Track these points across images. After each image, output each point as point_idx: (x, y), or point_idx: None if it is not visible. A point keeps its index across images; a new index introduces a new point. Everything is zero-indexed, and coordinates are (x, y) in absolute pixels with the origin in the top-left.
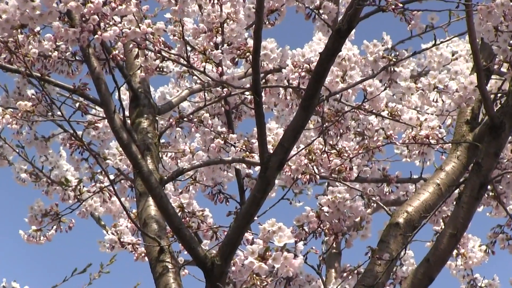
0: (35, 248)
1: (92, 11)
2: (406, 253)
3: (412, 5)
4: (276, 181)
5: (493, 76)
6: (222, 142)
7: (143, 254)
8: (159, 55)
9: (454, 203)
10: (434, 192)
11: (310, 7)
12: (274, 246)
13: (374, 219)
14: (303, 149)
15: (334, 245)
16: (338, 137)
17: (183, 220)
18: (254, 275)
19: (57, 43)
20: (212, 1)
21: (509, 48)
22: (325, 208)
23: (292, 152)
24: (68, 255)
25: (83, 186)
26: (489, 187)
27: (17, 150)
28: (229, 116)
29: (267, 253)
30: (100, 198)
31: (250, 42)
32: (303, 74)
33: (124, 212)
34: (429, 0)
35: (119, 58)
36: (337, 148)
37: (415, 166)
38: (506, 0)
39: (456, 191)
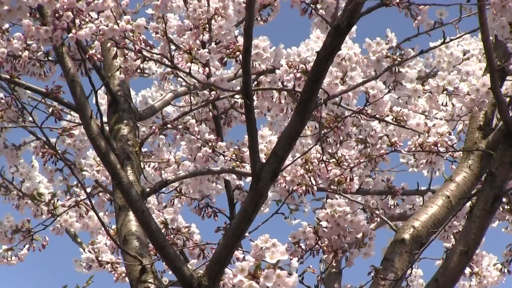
0: (5, 269)
1: (65, 7)
2: (413, 272)
3: None
4: (270, 194)
5: (508, 77)
6: (210, 150)
7: (123, 274)
8: (140, 54)
9: (466, 217)
10: (444, 205)
11: (306, 2)
12: (266, 264)
13: (377, 235)
14: (299, 158)
15: (333, 263)
16: (338, 145)
17: (167, 237)
18: None
19: (27, 42)
20: None
21: None
22: (324, 223)
23: (287, 162)
24: (41, 275)
25: (58, 200)
26: (504, 199)
27: None
28: (217, 122)
29: (259, 271)
30: (76, 213)
31: (241, 40)
32: (298, 75)
33: (103, 228)
34: None
35: (96, 58)
36: (337, 157)
37: (423, 176)
38: None
39: (468, 204)
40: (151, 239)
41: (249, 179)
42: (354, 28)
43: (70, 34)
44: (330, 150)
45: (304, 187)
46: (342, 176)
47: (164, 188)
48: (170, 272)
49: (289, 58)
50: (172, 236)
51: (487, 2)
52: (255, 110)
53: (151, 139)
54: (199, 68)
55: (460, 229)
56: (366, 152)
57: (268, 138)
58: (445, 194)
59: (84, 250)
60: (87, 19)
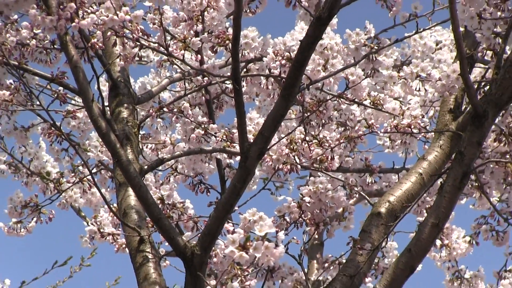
0: (15, 240)
1: None
2: (388, 244)
3: None
4: (257, 172)
5: (476, 65)
6: (203, 132)
7: (123, 246)
8: (138, 43)
9: (437, 192)
10: (417, 182)
11: None
12: (255, 236)
13: (356, 210)
14: (284, 138)
15: (316, 235)
16: (320, 127)
17: (163, 211)
18: (235, 265)
19: (34, 31)
20: None
21: (493, 36)
22: (307, 199)
23: (273, 142)
24: (48, 247)
25: (63, 177)
26: (472, 177)
27: None
28: (210, 106)
29: (248, 243)
30: (80, 189)
31: (230, 31)
32: (284, 62)
33: (105, 203)
34: None
35: (97, 46)
36: (319, 138)
37: (398, 156)
38: None
39: (439, 180)
40: (148, 212)
41: (238, 157)
42: (335, 20)
43: (73, 24)
44: (312, 132)
45: (288, 166)
46: (324, 156)
47: (160, 166)
48: (166, 243)
49: (275, 47)
50: (168, 210)
51: None
52: (243, 95)
53: (149, 122)
54: (192, 56)
55: (432, 204)
56: (346, 133)
57: (255, 121)
58: (418, 172)
59: (87, 223)
60: (89, 10)
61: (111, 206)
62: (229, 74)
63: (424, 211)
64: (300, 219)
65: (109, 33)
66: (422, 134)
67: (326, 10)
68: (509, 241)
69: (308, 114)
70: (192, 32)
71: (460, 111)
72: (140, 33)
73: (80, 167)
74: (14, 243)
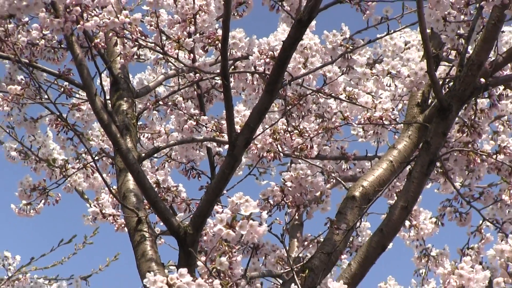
0: (25, 220)
1: (74, 2)
2: (362, 224)
3: None
4: (244, 160)
5: (441, 63)
6: (195, 123)
7: (123, 225)
8: (137, 43)
9: (406, 178)
10: (387, 168)
11: (274, 0)
12: (241, 216)
13: (333, 193)
14: (268, 129)
15: (296, 216)
16: (300, 119)
17: (159, 194)
18: (223, 242)
19: (43, 32)
20: None
21: (456, 37)
22: (289, 183)
23: (258, 132)
24: (55, 226)
25: (68, 164)
26: (437, 164)
27: (8, 131)
28: (201, 99)
29: (235, 222)
30: (83, 174)
31: (220, 32)
32: (268, 60)
33: (106, 187)
34: None
35: (100, 46)
36: (299, 129)
37: (370, 145)
38: None
39: (408, 167)
40: (146, 195)
41: (226, 146)
42: (314, 22)
43: (78, 26)
44: (293, 123)
45: (272, 154)
46: (304, 144)
47: (156, 154)
48: (162, 224)
49: (260, 46)
50: (163, 193)
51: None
52: (231, 90)
53: (146, 114)
54: (185, 54)
55: (401, 188)
56: (324, 124)
57: (242, 113)
58: (388, 159)
59: (90, 205)
60: (92, 13)
61: (112, 189)
62: (218, 71)
63: (394, 194)
64: (282, 201)
65: (110, 34)
66: (393, 125)
67: (306, 14)
68: (471, 222)
69: (290, 107)
70: (185, 33)
71: (426, 105)
72: (139, 34)
73: (84, 155)
74: (24, 223)
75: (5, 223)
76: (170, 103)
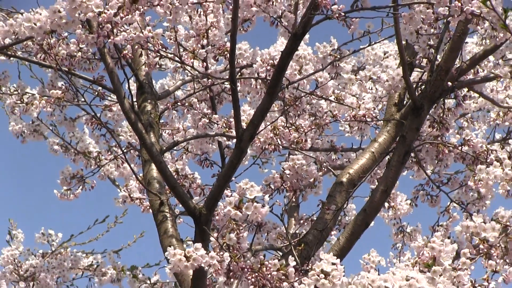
0: (66, 203)
1: (106, 20)
2: (348, 205)
3: (352, 14)
4: (249, 151)
5: (415, 69)
6: (207, 121)
7: (148, 207)
8: (158, 53)
9: (385, 166)
10: (370, 158)
11: (274, 17)
12: (247, 199)
13: (324, 180)
14: (269, 125)
15: (293, 199)
16: (296, 117)
17: (178, 181)
18: (232, 221)
19: (80, 45)
20: (199, 13)
21: (427, 47)
22: (287, 171)
23: (261, 128)
24: (91, 209)
25: (102, 155)
26: (412, 154)
27: (51, 128)
28: (213, 101)
29: (241, 204)
30: (114, 164)
31: (228, 44)
32: (268, 68)
33: (133, 175)
34: (366, 11)
35: (128, 56)
36: (295, 125)
37: (355, 139)
38: (423, 8)
39: (387, 157)
40: (167, 182)
41: (234, 140)
42: (307, 36)
43: (109, 40)
44: (290, 121)
45: (272, 146)
46: (299, 138)
47: (175, 147)
48: (180, 205)
49: (262, 56)
50: (181, 180)
51: (400, 16)
52: (238, 93)
53: (167, 113)
54: (199, 63)
55: (381, 175)
56: (316, 121)
57: (247, 112)
58: (371, 151)
59: (120, 190)
60: (121, 29)
61: (138, 177)
62: (227, 77)
63: (376, 180)
64: (282, 186)
65: (136, 46)
66: (374, 122)
67: (301, 28)
68: (440, 203)
69: (287, 107)
70: (199, 45)
71: (402, 105)
72: (160, 46)
73: (114, 148)
74: (65, 206)
75: (49, 206)
76: (186, 104)
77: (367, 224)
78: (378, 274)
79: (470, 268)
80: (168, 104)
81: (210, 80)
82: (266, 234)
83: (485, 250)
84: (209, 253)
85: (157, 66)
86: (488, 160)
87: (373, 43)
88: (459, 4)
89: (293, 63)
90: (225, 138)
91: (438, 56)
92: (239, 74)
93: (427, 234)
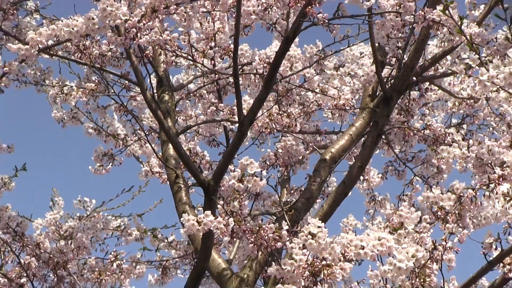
0: (99, 177)
1: (131, 26)
2: (331, 178)
3: (334, 21)
4: (249, 134)
5: (386, 66)
6: (215, 109)
7: (165, 179)
8: (174, 53)
9: (361, 146)
10: (349, 140)
11: (270, 23)
12: (248, 173)
13: (311, 157)
14: (265, 112)
15: (285, 173)
16: (288, 105)
17: (190, 158)
18: (235, 191)
19: (110, 46)
20: (208, 20)
21: (396, 48)
22: (280, 150)
23: (258, 115)
24: (119, 180)
25: (128, 137)
26: (383, 136)
27: (86, 115)
28: (219, 92)
29: (243, 177)
30: (138, 145)
31: (232, 46)
32: (265, 65)
33: (154, 153)
34: (345, 18)
35: (149, 55)
36: (287, 112)
37: (337, 124)
38: (393, 16)
39: (362, 139)
40: (181, 158)
41: (237, 125)
42: (297, 39)
43: (134, 41)
44: (283, 109)
45: (268, 130)
46: (290, 123)
47: (188, 130)
48: (192, 178)
49: (260, 56)
50: (193, 157)
51: (374, 23)
52: (240, 86)
53: (181, 102)
54: (208, 61)
55: (358, 153)
56: (304, 109)
57: (248, 102)
58: (349, 133)
59: (143, 165)
60: (144, 33)
61: (158, 155)
62: (231, 72)
63: (353, 158)
64: (275, 163)
65: (156, 47)
66: (352, 110)
67: (291, 33)
68: (406, 177)
69: (280, 97)
70: (208, 46)
71: (375, 96)
72: (176, 47)
73: (138, 131)
74: (98, 179)
75: (85, 179)
76: (197, 95)
77: (346, 193)
78: (355, 235)
79: (430, 231)
80: (183, 95)
81: (217, 75)
82: (262, 201)
83: (443, 216)
84: (217, 219)
85: (173, 63)
86: (445, 142)
87: (351, 45)
88: (423, 13)
89: (285, 61)
90: (229, 123)
91: (405, 56)
92: (241, 70)
93: (395, 202)
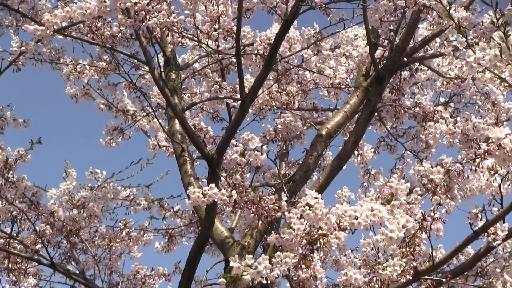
0: (109, 150)
1: (140, 9)
2: (326, 152)
3: (330, 5)
4: (250, 110)
5: (378, 48)
6: (218, 87)
7: (172, 153)
8: (181, 34)
9: (355, 123)
10: (343, 116)
11: (270, 7)
12: (249, 148)
13: (308, 132)
14: (265, 90)
15: (284, 147)
16: (286, 84)
17: (195, 132)
18: (237, 164)
19: (120, 28)
20: (212, 3)
21: (389, 31)
22: (279, 126)
23: (259, 92)
24: (128, 153)
25: (137, 113)
26: (375, 114)
27: (97, 91)
28: (222, 71)
29: (245, 151)
30: (146, 120)
31: (234, 28)
32: (266, 46)
33: (161, 128)
34: (341, 2)
35: (157, 36)
36: (286, 90)
37: (332, 101)
38: (386, 1)
39: (356, 116)
40: (187, 133)
41: (239, 102)
42: (295, 22)
43: (143, 23)
44: (282, 87)
45: (268, 107)
46: (289, 101)
47: (193, 107)
48: (197, 152)
49: (261, 37)
50: (198, 132)
51: (368, 7)
52: (242, 65)
53: (187, 81)
54: (212, 42)
55: (352, 129)
56: (302, 88)
57: (249, 80)
58: (344, 111)
59: (151, 139)
60: (152, 16)
61: (165, 129)
62: (234, 53)
63: (347, 133)
64: (275, 138)
65: (164, 29)
66: (346, 88)
67: (291, 16)
68: (397, 151)
69: (280, 76)
70: (212, 28)
71: (369, 75)
72: (182, 29)
73: (147, 107)
74: (109, 151)
75: (96, 151)
76: (202, 74)
77: (341, 167)
78: (349, 206)
79: (420, 202)
80: (188, 74)
81: (220, 55)
82: (263, 174)
83: (432, 188)
84: (220, 191)
85: (180, 44)
86: (434, 118)
87: (347, 27)
88: None
89: (284, 43)
90: (231, 100)
91: (397, 38)
92: (243, 51)
93: (387, 175)
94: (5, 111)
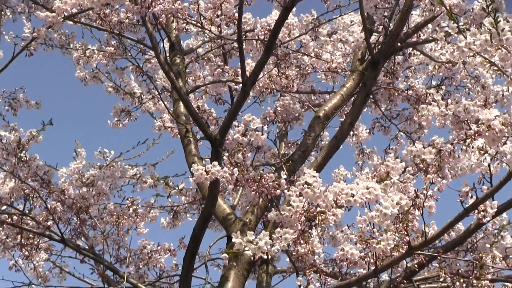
0: (117, 130)
1: None
2: (324, 133)
3: None
4: (251, 93)
5: (374, 33)
6: (221, 70)
7: (177, 133)
8: (185, 21)
9: (351, 105)
10: (340, 99)
11: None
12: (250, 128)
13: (306, 115)
14: (266, 74)
15: (283, 128)
16: (286, 68)
17: (199, 114)
18: (239, 144)
19: (128, 14)
20: None
21: (383, 17)
22: (279, 108)
23: (260, 76)
24: (135, 134)
25: (143, 95)
26: (370, 96)
27: (106, 75)
28: (225, 56)
29: (246, 132)
30: (152, 102)
31: (236, 14)
32: (266, 32)
33: (166, 110)
34: None
35: (163, 23)
36: (285, 74)
37: (329, 84)
38: None
39: (352, 98)
40: (191, 115)
41: (240, 85)
42: (294, 9)
43: (150, 10)
44: (282, 71)
45: (268, 90)
46: (288, 84)
47: (197, 90)
48: (201, 132)
49: (261, 23)
50: (201, 113)
51: None
52: (244, 50)
53: (191, 65)
54: (215, 28)
55: (348, 111)
56: (300, 72)
57: (250, 64)
58: (340, 93)
59: (156, 120)
60: (158, 2)
61: (170, 111)
62: (235, 38)
63: (344, 115)
64: (275, 119)
65: (169, 15)
66: (343, 72)
67: (290, 3)
68: (391, 132)
69: (279, 61)
70: (215, 15)
71: (364, 60)
72: (187, 15)
73: (153, 90)
74: (116, 132)
75: (104, 132)
76: (205, 58)
77: (337, 147)
78: (346, 184)
79: (413, 181)
80: (192, 58)
81: (223, 40)
82: (263, 154)
83: (424, 168)
84: (223, 169)
85: (184, 30)
86: (427, 101)
87: (343, 14)
88: None
89: (284, 29)
90: (233, 83)
91: (391, 24)
92: (244, 36)
93: (381, 155)
94: (18, 93)
